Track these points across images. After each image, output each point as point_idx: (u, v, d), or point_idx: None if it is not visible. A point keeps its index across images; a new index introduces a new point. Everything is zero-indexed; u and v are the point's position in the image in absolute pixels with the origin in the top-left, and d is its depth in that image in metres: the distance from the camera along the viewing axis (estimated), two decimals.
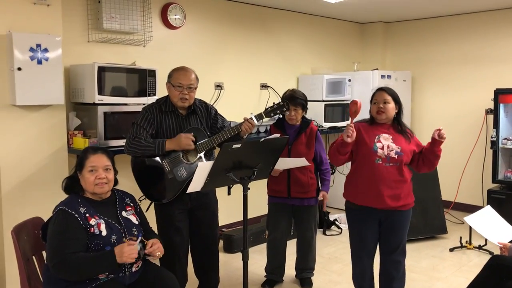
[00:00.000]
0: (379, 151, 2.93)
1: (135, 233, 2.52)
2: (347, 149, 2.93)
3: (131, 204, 2.65)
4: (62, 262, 2.27)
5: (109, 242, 2.38)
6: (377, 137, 2.98)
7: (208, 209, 3.21)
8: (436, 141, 2.89)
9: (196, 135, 3.01)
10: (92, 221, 2.38)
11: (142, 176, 3.05)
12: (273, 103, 3.20)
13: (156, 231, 2.89)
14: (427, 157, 2.97)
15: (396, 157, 2.93)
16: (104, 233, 2.39)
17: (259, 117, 3.09)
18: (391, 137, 2.98)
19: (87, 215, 2.39)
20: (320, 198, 3.64)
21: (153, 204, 3.17)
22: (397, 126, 3.04)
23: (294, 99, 3.52)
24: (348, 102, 5.81)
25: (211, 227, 3.24)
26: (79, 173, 2.50)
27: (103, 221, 2.42)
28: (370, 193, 2.95)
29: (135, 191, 2.95)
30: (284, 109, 3.17)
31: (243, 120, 3.06)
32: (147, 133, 2.99)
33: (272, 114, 3.15)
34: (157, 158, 3.00)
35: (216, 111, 3.27)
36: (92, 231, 2.36)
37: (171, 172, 3.00)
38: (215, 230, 3.29)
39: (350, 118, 2.91)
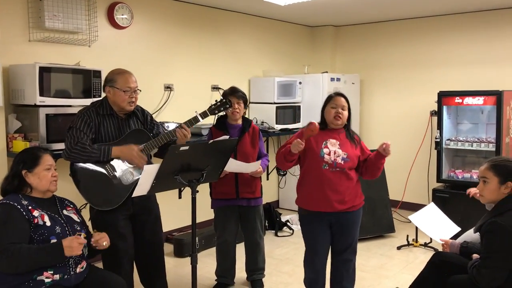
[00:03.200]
0: (326, 156, 2.99)
1: (78, 228, 2.54)
2: (294, 157, 3.01)
3: (71, 206, 2.68)
4: (3, 252, 2.23)
5: (53, 232, 2.39)
6: (324, 142, 3.03)
7: (151, 214, 3.12)
8: (381, 155, 2.96)
9: (140, 137, 2.96)
10: (36, 213, 2.40)
11: (84, 182, 2.89)
12: (216, 100, 3.22)
13: None
14: (370, 167, 3.04)
15: (342, 163, 2.98)
16: (48, 223, 2.40)
17: (203, 115, 3.11)
18: (338, 142, 3.03)
19: (30, 207, 2.40)
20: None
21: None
22: (347, 132, 3.10)
23: (236, 92, 3.58)
24: (299, 104, 5.89)
25: (155, 231, 3.15)
26: (27, 171, 2.48)
27: (46, 214, 2.44)
28: (319, 198, 3.01)
29: (72, 194, 2.85)
30: (227, 106, 3.21)
31: (178, 126, 3.03)
32: (87, 138, 2.85)
33: (216, 112, 3.20)
34: (99, 163, 2.88)
35: (151, 116, 3.22)
36: (36, 222, 2.37)
37: (115, 177, 2.90)
38: (159, 234, 3.20)
39: (304, 135, 2.91)
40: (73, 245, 2.29)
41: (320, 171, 2.99)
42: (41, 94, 3.52)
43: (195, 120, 3.07)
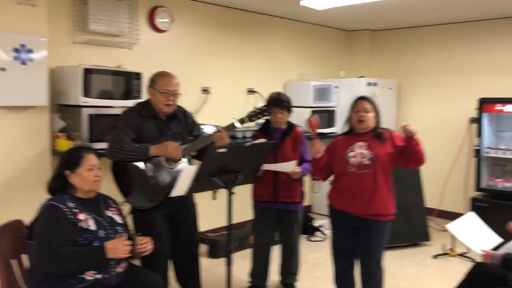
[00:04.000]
0: (352, 159, 2.99)
1: (121, 231, 2.56)
2: (320, 163, 3.10)
3: (114, 206, 2.70)
4: (51, 255, 2.29)
5: (97, 236, 2.43)
6: (350, 147, 3.03)
7: (189, 214, 3.19)
8: (408, 138, 2.91)
9: (179, 140, 2.99)
10: (81, 216, 2.42)
11: (124, 181, 2.98)
12: (254, 107, 3.21)
13: None
14: (406, 152, 2.98)
15: (369, 163, 2.96)
16: (92, 227, 2.44)
17: (241, 121, 3.09)
18: (367, 144, 3.01)
19: (76, 210, 2.43)
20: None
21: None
22: (374, 132, 3.06)
23: (280, 102, 3.54)
24: (335, 108, 5.86)
25: (192, 231, 3.21)
26: (70, 172, 2.51)
27: (91, 217, 2.46)
28: (346, 199, 3.03)
29: (111, 192, 2.90)
30: (266, 114, 3.19)
31: (216, 130, 3.05)
32: (128, 137, 2.93)
33: (254, 119, 3.16)
34: (139, 163, 2.95)
35: (193, 118, 3.26)
36: (80, 225, 2.40)
37: (153, 177, 2.95)
38: (195, 234, 3.25)
39: (313, 136, 3.05)
40: (118, 246, 2.35)
41: (347, 174, 3.00)
42: (84, 95, 3.64)
43: (232, 126, 3.07)
